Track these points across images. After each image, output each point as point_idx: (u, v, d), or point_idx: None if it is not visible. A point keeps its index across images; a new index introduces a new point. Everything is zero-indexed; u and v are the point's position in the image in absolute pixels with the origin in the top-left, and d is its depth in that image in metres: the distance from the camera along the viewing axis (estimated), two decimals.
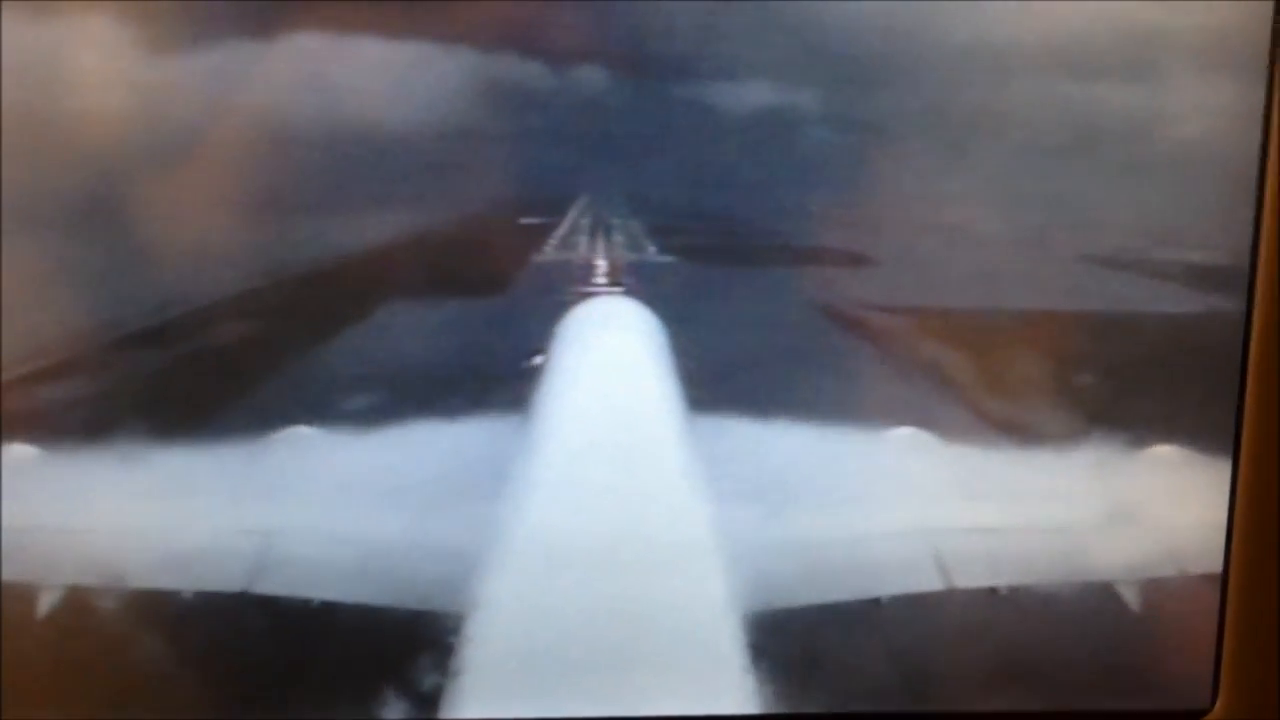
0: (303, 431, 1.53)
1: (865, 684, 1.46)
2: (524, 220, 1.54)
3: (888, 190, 1.47)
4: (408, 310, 1.53)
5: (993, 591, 1.51)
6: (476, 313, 1.60)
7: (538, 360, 1.57)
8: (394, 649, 1.44)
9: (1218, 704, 1.36)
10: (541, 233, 1.57)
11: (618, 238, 1.60)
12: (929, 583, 1.51)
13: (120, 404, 1.47)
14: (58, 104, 1.36)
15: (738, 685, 1.42)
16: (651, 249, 1.60)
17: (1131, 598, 1.50)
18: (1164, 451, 1.51)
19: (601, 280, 1.63)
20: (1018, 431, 1.54)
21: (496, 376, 1.57)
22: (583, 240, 1.60)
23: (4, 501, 1.37)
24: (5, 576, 1.39)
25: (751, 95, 1.43)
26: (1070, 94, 1.42)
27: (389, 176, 1.44)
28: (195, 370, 1.50)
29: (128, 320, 1.49)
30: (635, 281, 1.61)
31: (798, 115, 1.43)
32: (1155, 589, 1.48)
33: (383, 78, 1.41)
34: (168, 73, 1.36)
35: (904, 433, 1.56)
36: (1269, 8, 1.32)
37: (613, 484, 1.54)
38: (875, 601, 1.51)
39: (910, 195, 1.48)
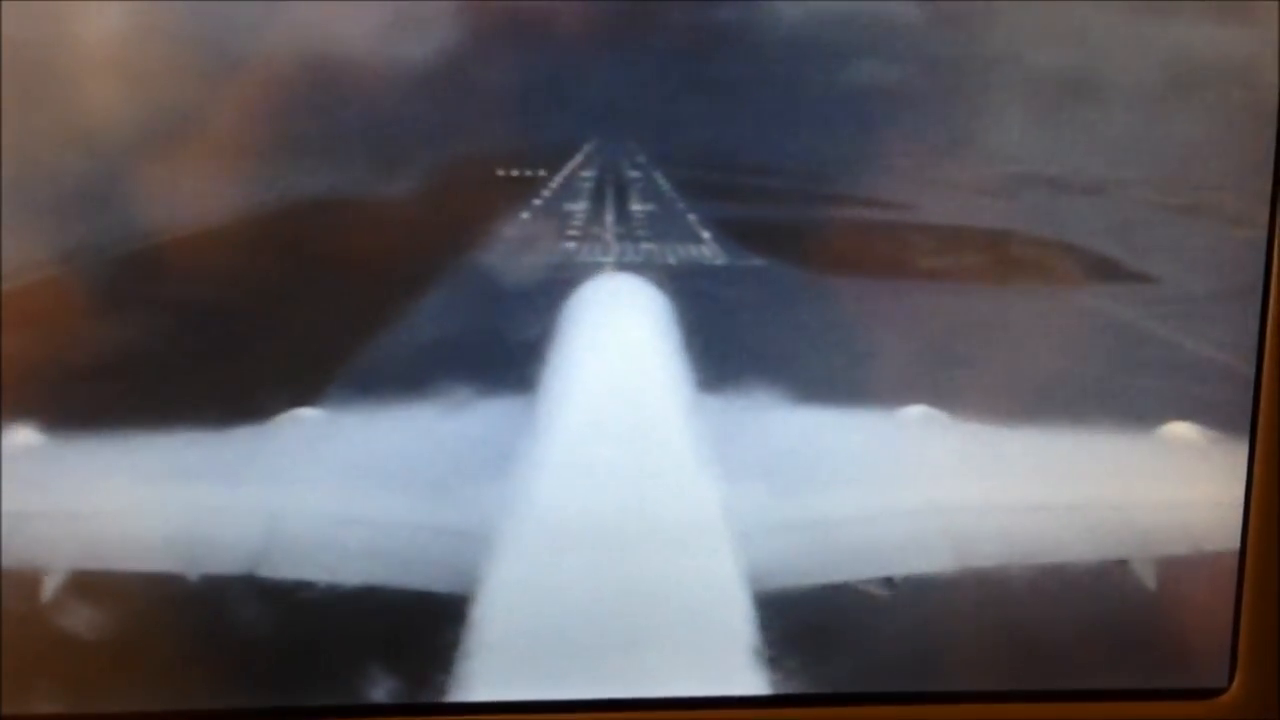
0: (306, 414, 1.52)
1: (878, 663, 1.45)
2: (503, 172, 1.21)
3: (965, 138, 1.34)
4: (398, 282, 1.45)
5: (1006, 570, 1.50)
6: (476, 289, 1.55)
7: (543, 340, 1.55)
8: (400, 631, 1.43)
9: (1234, 682, 1.34)
10: (526, 191, 1.25)
11: (636, 205, 1.28)
12: (942, 562, 1.49)
13: (123, 387, 1.45)
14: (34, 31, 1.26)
15: (748, 666, 1.41)
16: (705, 234, 1.23)
17: (1147, 576, 1.48)
18: (1179, 429, 1.49)
19: (608, 258, 1.54)
20: (1031, 408, 1.52)
21: (501, 356, 1.55)
22: (583, 206, 1.30)
23: (8, 486, 1.36)
24: (9, 562, 1.38)
25: (806, 14, 1.20)
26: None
27: (356, 113, 1.21)
28: (194, 348, 1.47)
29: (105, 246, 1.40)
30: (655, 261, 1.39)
31: (860, 48, 1.21)
32: (1171, 567, 1.46)
33: None
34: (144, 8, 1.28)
35: (916, 410, 1.54)
36: None
37: (620, 464, 1.53)
38: (888, 580, 1.49)
39: (992, 145, 1.34)
